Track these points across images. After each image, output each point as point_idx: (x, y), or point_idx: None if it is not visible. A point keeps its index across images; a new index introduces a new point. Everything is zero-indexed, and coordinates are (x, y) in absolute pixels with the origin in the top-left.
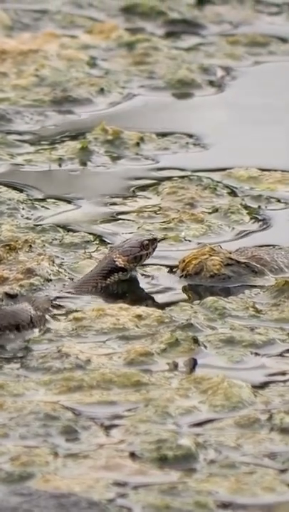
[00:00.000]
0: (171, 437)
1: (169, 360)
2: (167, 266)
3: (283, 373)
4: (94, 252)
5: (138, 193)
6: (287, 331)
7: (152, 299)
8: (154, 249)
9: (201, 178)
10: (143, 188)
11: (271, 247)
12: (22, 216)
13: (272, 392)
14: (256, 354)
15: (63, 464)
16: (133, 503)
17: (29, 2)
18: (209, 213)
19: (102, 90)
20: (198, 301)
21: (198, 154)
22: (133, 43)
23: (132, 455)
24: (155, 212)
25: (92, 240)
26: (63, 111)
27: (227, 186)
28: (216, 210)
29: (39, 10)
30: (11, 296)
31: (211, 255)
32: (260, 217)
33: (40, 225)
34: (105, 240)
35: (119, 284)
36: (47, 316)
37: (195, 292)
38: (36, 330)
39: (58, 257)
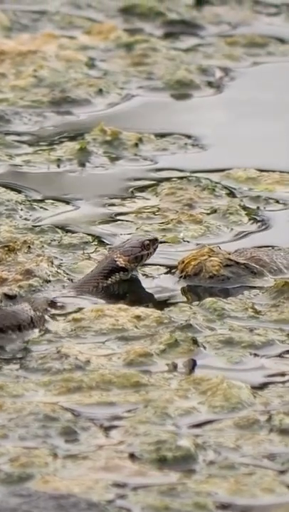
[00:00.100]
0: (170, 438)
1: (168, 361)
2: (166, 266)
3: (282, 374)
4: (93, 252)
5: (137, 194)
6: (286, 331)
7: (151, 299)
8: (155, 250)
9: (199, 179)
10: (142, 188)
11: (270, 248)
12: (20, 217)
13: (272, 393)
14: (255, 355)
15: (63, 465)
16: (132, 504)
17: (28, 3)
18: (208, 214)
19: (100, 91)
20: (197, 302)
21: (196, 155)
22: (132, 44)
23: (132, 456)
24: (154, 213)
25: (91, 240)
26: (62, 112)
27: (226, 187)
28: (214, 211)
29: (38, 11)
30: (10, 297)
31: (210, 256)
32: (258, 218)
33: (39, 226)
34: (104, 240)
35: (120, 284)
36: (46, 317)
37: (194, 293)
38: (36, 330)
39: (56, 257)
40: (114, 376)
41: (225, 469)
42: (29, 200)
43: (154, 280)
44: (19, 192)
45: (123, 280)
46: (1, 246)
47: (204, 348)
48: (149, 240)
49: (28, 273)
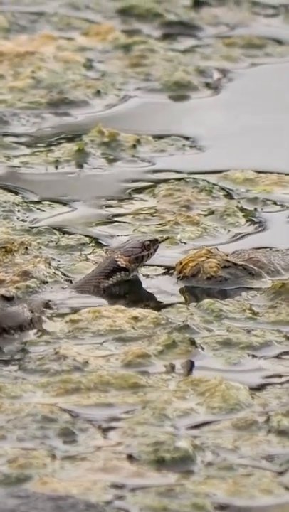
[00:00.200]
0: (168, 439)
1: (166, 362)
2: (164, 267)
3: (280, 375)
4: (90, 254)
5: (134, 195)
6: (283, 333)
7: (148, 300)
8: (155, 250)
9: (197, 181)
10: (139, 190)
11: (268, 249)
12: (18, 218)
13: (270, 394)
14: (253, 356)
15: (61, 466)
16: (130, 505)
17: (26, 4)
18: (205, 215)
19: (98, 92)
20: (194, 303)
21: (194, 156)
22: (129, 45)
23: (130, 457)
24: (151, 214)
25: (88, 242)
26: (60, 113)
27: (223, 188)
28: (211, 213)
29: (36, 12)
30: (8, 299)
31: (208, 257)
32: (256, 220)
33: (36, 227)
34: (101, 242)
35: (120, 284)
36: (43, 318)
37: (192, 294)
38: (34, 331)
39: (54, 259)
40: (113, 377)
41: (223, 470)
42: (26, 202)
43: (152, 281)
44: (16, 193)
45: (124, 281)
46: None
47: (202, 349)
48: (150, 241)
49: (26, 274)
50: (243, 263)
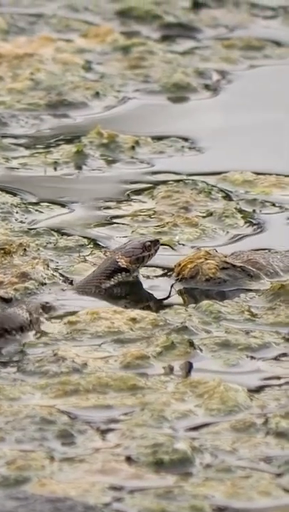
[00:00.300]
0: (167, 441)
1: (164, 363)
2: (163, 268)
3: (279, 377)
4: (88, 255)
5: (133, 197)
6: (282, 334)
7: (147, 302)
8: (156, 251)
9: (196, 182)
10: (138, 191)
11: (267, 250)
12: (16, 220)
13: (268, 396)
14: (252, 358)
15: (59, 468)
16: (129, 507)
17: (25, 6)
18: (204, 217)
19: (97, 94)
20: (193, 305)
21: (193, 158)
22: (128, 47)
23: (128, 459)
24: (150, 216)
25: (87, 243)
26: (58, 114)
27: (222, 190)
28: (210, 214)
29: (35, 14)
30: (6, 300)
31: (206, 259)
32: (254, 221)
33: (35, 228)
34: (100, 243)
35: (121, 285)
36: (41, 319)
37: (190, 296)
38: (33, 333)
39: (52, 260)
40: (111, 379)
41: (221, 472)
42: (25, 203)
43: (151, 282)
44: (15, 195)
45: (125, 282)
46: None
47: (201, 350)
48: (151, 242)
49: (24, 276)
50: (241, 265)
